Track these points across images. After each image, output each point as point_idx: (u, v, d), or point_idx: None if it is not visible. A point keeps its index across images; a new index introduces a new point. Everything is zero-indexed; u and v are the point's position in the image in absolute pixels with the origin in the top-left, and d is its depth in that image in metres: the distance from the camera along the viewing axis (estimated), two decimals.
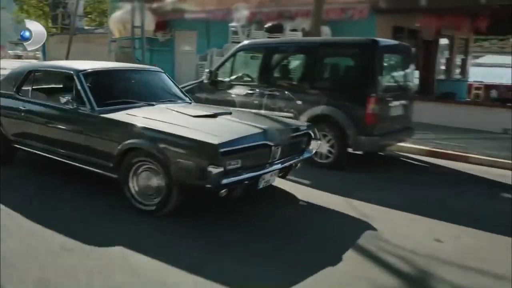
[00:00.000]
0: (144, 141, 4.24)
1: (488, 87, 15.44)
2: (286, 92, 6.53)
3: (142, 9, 13.70)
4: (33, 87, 5.62)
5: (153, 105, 5.07)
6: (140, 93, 5.44)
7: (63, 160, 5.04)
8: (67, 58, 14.81)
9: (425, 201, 5.06)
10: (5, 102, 5.68)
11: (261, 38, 10.61)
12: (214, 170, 3.81)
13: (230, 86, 7.14)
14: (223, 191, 4.01)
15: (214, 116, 4.73)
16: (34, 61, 6.81)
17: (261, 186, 4.39)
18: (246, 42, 7.71)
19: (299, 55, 7.01)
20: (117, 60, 13.11)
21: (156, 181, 4.22)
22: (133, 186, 4.37)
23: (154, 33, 14.88)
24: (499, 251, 3.86)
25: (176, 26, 14.89)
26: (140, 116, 4.59)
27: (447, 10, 10.16)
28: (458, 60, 15.80)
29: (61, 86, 6.05)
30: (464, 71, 16.19)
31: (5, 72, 6.54)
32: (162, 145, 4.11)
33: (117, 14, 14.93)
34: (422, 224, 4.36)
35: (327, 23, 10.23)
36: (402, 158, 7.26)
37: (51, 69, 6.03)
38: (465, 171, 6.59)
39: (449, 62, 14.96)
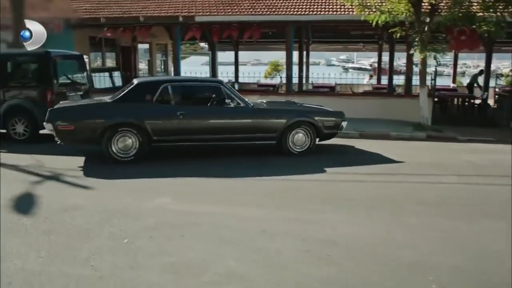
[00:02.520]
0: (304, 117, 7.71)
1: None
2: None
3: None
4: (173, 97, 7.35)
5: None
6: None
7: (221, 143, 7.47)
8: None
9: None
10: (148, 110, 7.13)
11: None
12: (343, 123, 8.01)
13: None
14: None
15: (294, 102, 9.12)
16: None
17: None
18: None
19: None
20: None
21: (304, 137, 7.71)
22: (291, 143, 7.66)
23: None
24: None
25: None
26: (283, 106, 8.38)
27: (121, 25, 13.36)
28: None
29: (190, 94, 7.85)
30: (167, 69, 20.37)
31: None
32: (316, 117, 7.76)
33: None
34: None
35: None
36: None
37: (189, 83, 7.95)
38: None
39: (150, 62, 18.78)
